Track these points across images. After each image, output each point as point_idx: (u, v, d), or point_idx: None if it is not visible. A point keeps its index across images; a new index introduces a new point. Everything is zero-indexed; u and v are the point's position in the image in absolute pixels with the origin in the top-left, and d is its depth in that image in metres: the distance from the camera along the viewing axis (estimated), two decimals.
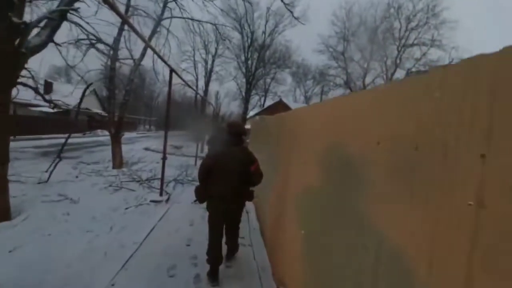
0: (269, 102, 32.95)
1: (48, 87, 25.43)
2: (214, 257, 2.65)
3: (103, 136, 23.90)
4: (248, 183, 2.69)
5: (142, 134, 32.60)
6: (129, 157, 9.83)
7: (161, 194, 5.28)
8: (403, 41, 23.19)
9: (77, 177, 6.31)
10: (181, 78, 6.92)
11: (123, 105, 7.64)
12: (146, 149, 14.00)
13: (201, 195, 2.72)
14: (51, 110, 22.92)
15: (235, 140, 2.70)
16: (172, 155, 13.00)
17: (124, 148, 14.03)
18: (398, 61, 23.26)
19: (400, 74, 23.61)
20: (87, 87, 5.70)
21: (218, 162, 2.60)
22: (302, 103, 36.57)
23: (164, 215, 4.53)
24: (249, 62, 24.18)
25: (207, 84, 23.13)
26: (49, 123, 20.25)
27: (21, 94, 4.16)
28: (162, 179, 5.33)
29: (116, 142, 7.39)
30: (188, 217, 4.56)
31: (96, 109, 30.72)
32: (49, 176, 5.37)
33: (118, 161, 7.40)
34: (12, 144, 5.09)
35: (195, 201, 3.28)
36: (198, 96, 20.01)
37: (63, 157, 10.10)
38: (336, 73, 26.24)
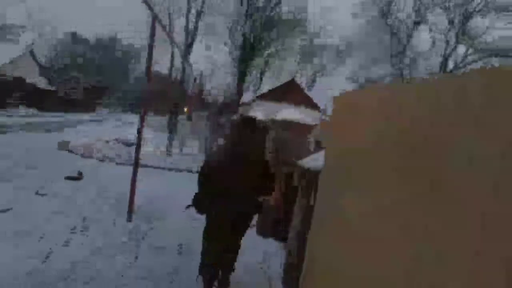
0: (266, 85, 25.33)
1: None
2: (209, 272, 2.22)
3: (26, 116, 16.23)
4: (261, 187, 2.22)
5: (96, 118, 24.42)
6: None
7: None
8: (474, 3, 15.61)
9: None
10: None
11: None
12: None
13: (202, 204, 2.22)
14: None
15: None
16: (106, 162, 6.01)
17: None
18: (460, 32, 16.15)
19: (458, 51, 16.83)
20: None
21: (225, 161, 2.14)
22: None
23: None
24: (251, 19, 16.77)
25: (189, 45, 15.07)
26: None
27: None
28: None
29: None
30: None
31: (36, 78, 22.67)
32: None
33: None
34: None
35: (188, 207, 2.65)
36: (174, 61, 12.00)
37: None
38: (373, 44, 18.83)
